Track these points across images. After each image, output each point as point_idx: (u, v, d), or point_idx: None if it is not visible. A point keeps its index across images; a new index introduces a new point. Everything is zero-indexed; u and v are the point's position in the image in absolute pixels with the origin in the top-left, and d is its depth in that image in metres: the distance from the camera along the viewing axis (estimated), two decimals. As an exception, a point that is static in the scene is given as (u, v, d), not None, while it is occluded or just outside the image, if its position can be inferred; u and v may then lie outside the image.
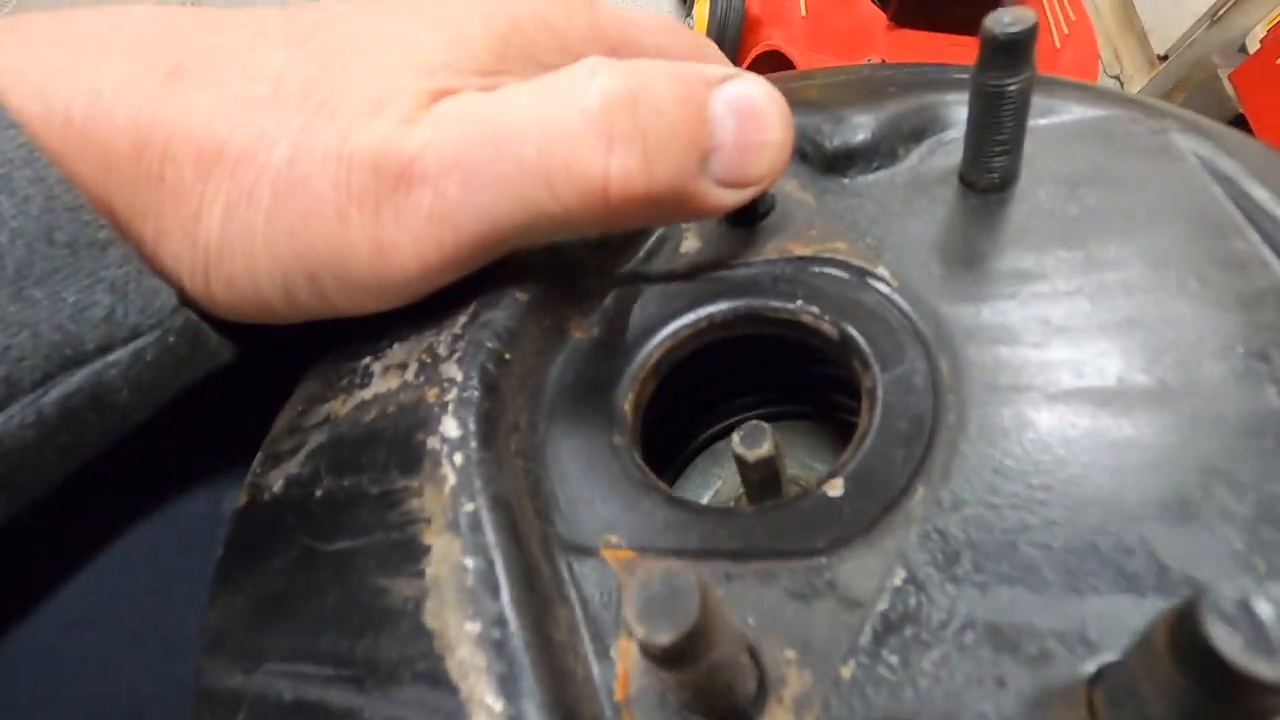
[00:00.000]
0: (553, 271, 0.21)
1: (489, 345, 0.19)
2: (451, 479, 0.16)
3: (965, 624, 0.13)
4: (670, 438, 0.26)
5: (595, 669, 0.14)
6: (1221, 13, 0.90)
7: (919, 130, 0.22)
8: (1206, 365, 0.15)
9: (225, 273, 0.19)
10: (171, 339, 0.19)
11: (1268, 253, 0.16)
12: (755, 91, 0.17)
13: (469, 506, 0.16)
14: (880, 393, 0.17)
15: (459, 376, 0.18)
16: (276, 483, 0.20)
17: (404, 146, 0.17)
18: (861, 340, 0.18)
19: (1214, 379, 0.14)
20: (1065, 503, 0.14)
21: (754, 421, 0.19)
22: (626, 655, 0.14)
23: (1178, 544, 0.13)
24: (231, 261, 0.18)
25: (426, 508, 0.16)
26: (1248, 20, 0.90)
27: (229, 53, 0.19)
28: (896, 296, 0.18)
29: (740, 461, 0.20)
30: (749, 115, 0.17)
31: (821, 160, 0.22)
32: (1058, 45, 0.84)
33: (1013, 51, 0.17)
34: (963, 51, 1.00)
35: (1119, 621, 0.12)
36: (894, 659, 0.13)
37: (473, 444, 0.17)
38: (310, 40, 0.19)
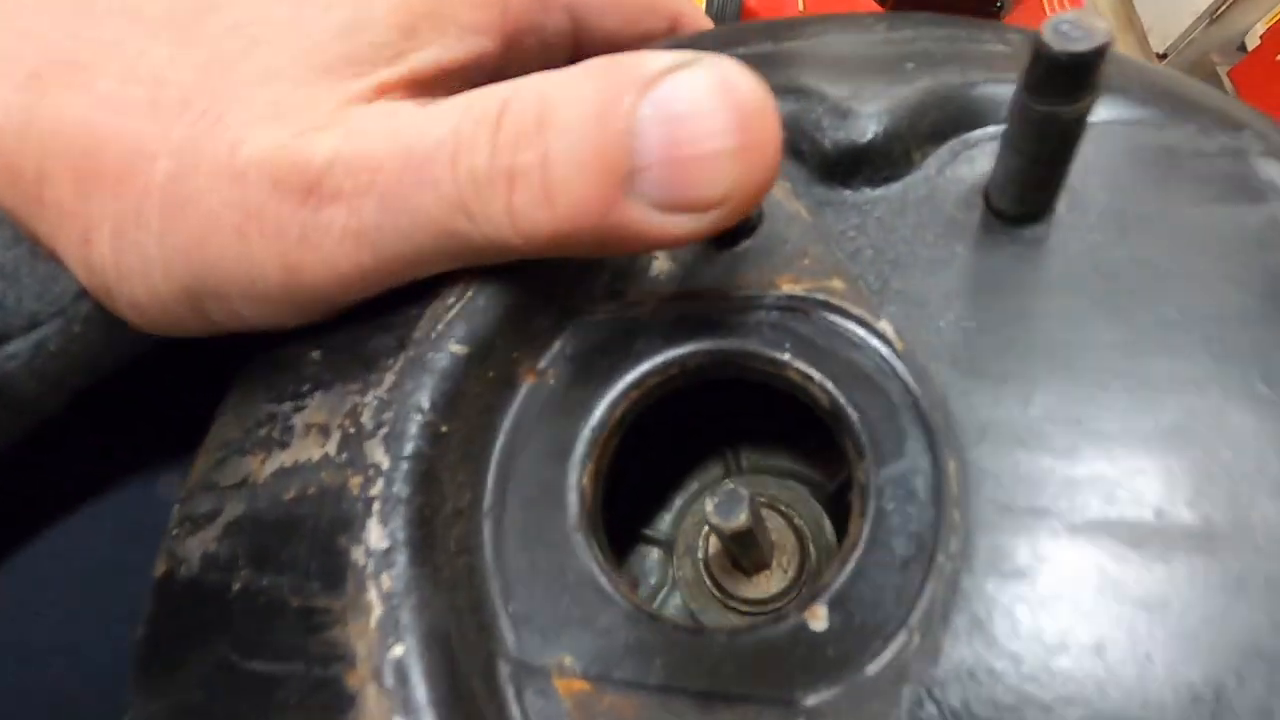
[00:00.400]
0: (497, 306, 0.18)
1: (419, 420, 0.16)
2: (377, 610, 0.14)
3: None
4: (642, 467, 0.23)
5: None
6: (1221, 11, 0.89)
7: (939, 129, 0.18)
8: (1263, 503, 0.12)
9: (127, 295, 0.17)
10: (78, 328, 0.17)
11: None
12: (697, 85, 0.13)
13: (397, 651, 0.14)
14: (874, 493, 0.15)
15: (385, 464, 0.15)
16: (194, 555, 0.17)
17: (308, 158, 0.15)
18: (855, 417, 0.16)
19: (1271, 525, 0.12)
20: (1081, 677, 0.12)
21: (730, 487, 0.17)
22: (579, 813, 0.13)
23: None
24: (131, 286, 0.17)
25: (351, 643, 0.14)
26: (1247, 19, 0.88)
27: (98, 47, 0.16)
28: (900, 364, 0.16)
29: (716, 529, 0.18)
30: (680, 120, 0.13)
31: (820, 163, 0.18)
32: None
33: (1074, 74, 0.13)
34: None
35: None
36: None
37: (402, 560, 0.14)
38: (192, 30, 0.16)
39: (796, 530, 0.22)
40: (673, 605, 0.24)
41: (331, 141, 0.15)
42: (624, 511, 0.24)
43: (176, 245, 0.16)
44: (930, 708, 0.12)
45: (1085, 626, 0.12)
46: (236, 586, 0.16)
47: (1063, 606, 0.12)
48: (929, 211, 0.17)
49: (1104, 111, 0.17)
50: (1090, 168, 0.16)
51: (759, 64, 0.20)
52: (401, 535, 0.15)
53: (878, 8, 1.05)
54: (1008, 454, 0.14)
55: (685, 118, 0.13)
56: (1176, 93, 0.17)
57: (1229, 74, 0.78)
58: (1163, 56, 0.96)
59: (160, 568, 0.18)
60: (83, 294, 0.17)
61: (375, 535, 0.15)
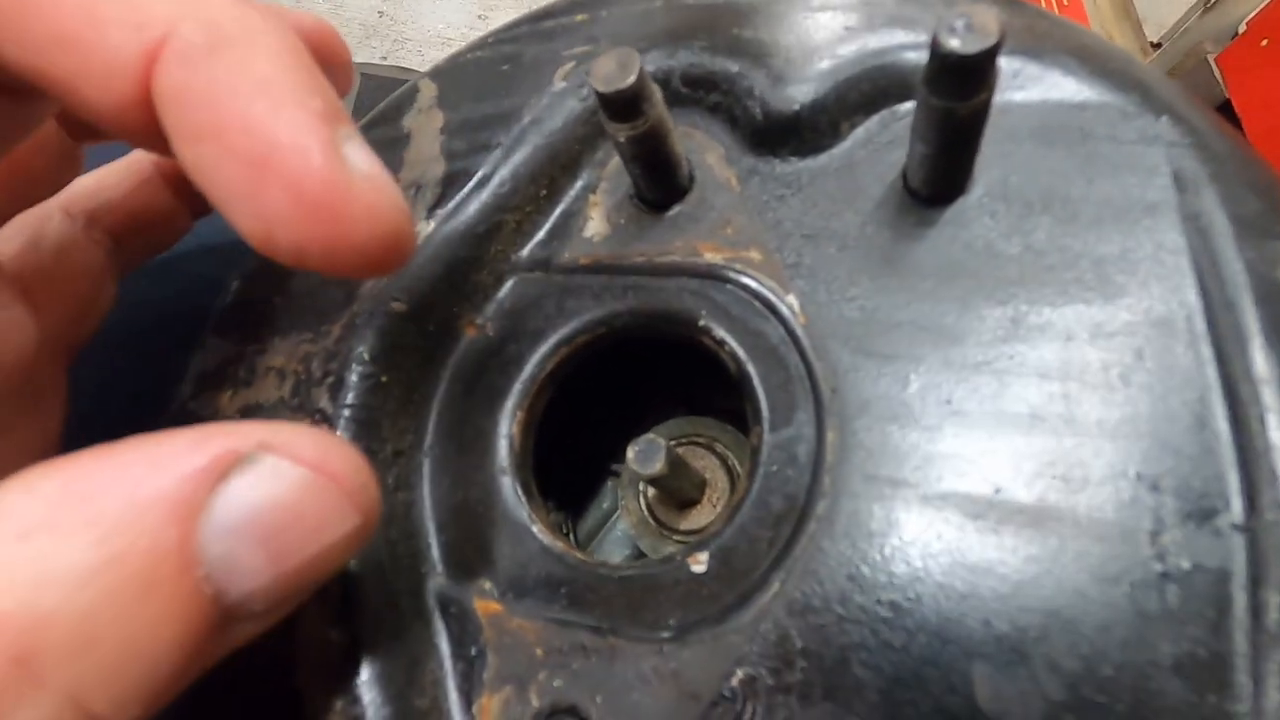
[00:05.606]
0: (435, 264, 0.19)
1: (360, 370, 0.17)
2: None
3: None
4: (616, 405, 0.25)
5: None
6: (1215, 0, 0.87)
7: (870, 99, 0.18)
8: (1092, 489, 0.14)
9: None
10: None
11: (1212, 373, 0.14)
12: (281, 484, 0.11)
13: None
14: (764, 457, 0.16)
15: (329, 409, 0.17)
16: None
17: None
18: (756, 385, 0.17)
19: (1093, 508, 0.13)
20: (907, 625, 0.14)
21: (649, 436, 0.19)
22: (488, 712, 0.16)
23: (1000, 688, 0.13)
24: None
25: None
26: (1240, 7, 0.87)
27: None
28: (802, 337, 0.17)
29: (635, 475, 0.19)
30: (277, 533, 0.11)
31: (751, 130, 0.18)
32: (1048, 27, 0.76)
33: (966, 73, 0.13)
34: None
35: None
36: None
37: None
38: None
39: (729, 470, 0.24)
40: (620, 530, 0.26)
41: None
42: (605, 447, 0.26)
43: None
44: (777, 642, 0.14)
45: (918, 584, 0.14)
46: None
47: (901, 569, 0.14)
48: (850, 186, 0.17)
49: (1031, 90, 0.17)
50: (1007, 151, 0.17)
51: (705, 14, 0.20)
52: None
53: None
54: (882, 428, 0.15)
55: (285, 527, 0.11)
56: (1105, 67, 0.17)
57: (1216, 60, 0.75)
58: (1157, 45, 0.96)
59: None
60: None
61: None
